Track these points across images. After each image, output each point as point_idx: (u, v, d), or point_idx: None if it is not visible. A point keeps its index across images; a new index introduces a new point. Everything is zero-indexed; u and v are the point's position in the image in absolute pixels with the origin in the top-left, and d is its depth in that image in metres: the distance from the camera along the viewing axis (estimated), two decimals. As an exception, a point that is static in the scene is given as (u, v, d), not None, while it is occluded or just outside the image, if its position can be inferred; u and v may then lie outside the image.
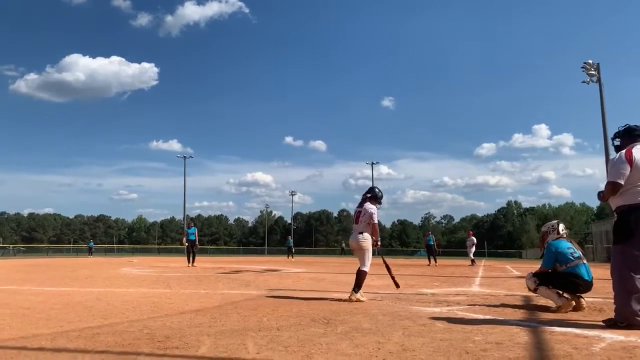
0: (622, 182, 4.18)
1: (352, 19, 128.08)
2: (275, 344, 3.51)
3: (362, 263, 6.26)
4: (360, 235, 6.33)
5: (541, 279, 5.45)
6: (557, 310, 5.21)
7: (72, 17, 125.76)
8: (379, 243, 6.44)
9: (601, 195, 4.46)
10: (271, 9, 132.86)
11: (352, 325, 4.34)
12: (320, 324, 4.41)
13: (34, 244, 76.77)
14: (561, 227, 5.78)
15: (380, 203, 6.65)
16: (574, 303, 5.29)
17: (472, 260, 21.66)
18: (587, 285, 5.32)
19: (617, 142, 4.56)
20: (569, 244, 5.55)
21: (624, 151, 4.30)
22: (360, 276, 6.17)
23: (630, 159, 4.20)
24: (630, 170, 4.17)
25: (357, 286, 6.12)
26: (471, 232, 25.14)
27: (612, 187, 4.23)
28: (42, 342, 3.60)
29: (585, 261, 5.47)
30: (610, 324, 4.14)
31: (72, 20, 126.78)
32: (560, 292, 5.34)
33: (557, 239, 5.66)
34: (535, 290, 5.53)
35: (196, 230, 18.22)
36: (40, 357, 3.10)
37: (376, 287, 7.95)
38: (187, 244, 18.06)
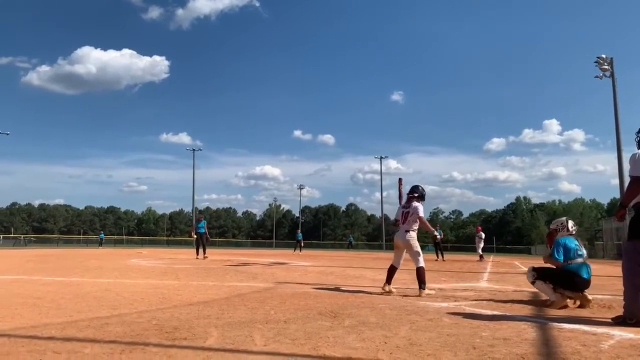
0: None
1: (362, 14, 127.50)
2: (282, 336, 3.52)
3: (416, 260, 6.46)
4: (407, 233, 6.55)
5: (539, 274, 5.53)
6: (550, 305, 5.25)
7: (83, 9, 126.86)
8: (437, 235, 6.62)
9: (619, 205, 4.32)
10: (281, 2, 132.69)
11: (359, 319, 4.35)
12: (327, 317, 4.42)
13: (45, 235, 77.75)
14: (570, 224, 5.83)
15: (424, 199, 6.89)
16: (567, 300, 5.32)
17: (481, 256, 21.60)
18: (584, 283, 5.35)
19: None
20: (576, 242, 5.59)
21: None
22: (421, 273, 6.37)
23: None
24: None
25: (422, 283, 6.34)
26: (480, 228, 24.97)
27: (638, 182, 4.08)
28: (52, 331, 3.64)
29: (586, 261, 5.51)
30: (619, 322, 4.10)
31: (84, 13, 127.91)
32: (555, 288, 5.37)
33: (567, 236, 5.68)
34: (532, 284, 5.65)
35: (206, 223, 18.32)
36: (50, 346, 3.14)
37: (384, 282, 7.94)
38: (195, 237, 18.16)
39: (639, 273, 4.07)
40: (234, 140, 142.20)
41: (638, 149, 4.32)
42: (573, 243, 5.52)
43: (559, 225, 5.87)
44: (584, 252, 5.55)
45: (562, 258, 5.43)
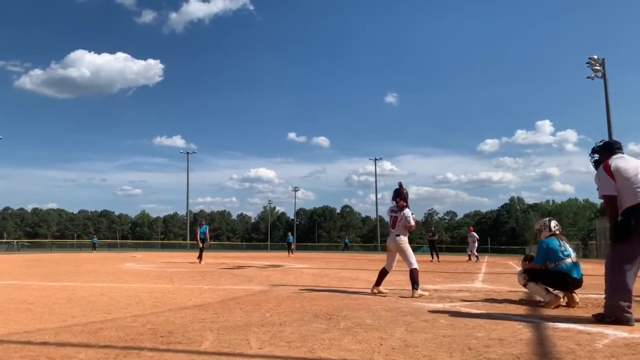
0: (616, 194, 4.33)
1: (355, 16, 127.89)
2: (277, 339, 3.51)
3: (409, 262, 6.53)
4: (398, 237, 6.64)
5: (531, 276, 5.57)
6: (544, 306, 5.30)
7: (76, 13, 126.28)
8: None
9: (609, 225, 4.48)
10: (275, 6, 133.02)
11: (354, 321, 4.35)
12: (322, 319, 4.42)
13: (38, 239, 77.05)
14: (552, 224, 5.89)
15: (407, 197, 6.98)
16: (561, 300, 5.38)
17: (476, 257, 21.69)
18: (576, 283, 5.41)
19: (596, 157, 4.72)
20: (560, 242, 5.62)
21: (602, 165, 4.47)
22: (414, 274, 6.44)
23: (609, 171, 4.37)
24: (615, 180, 4.32)
25: (415, 283, 6.40)
26: (472, 228, 24.98)
27: (609, 200, 4.36)
28: (46, 336, 3.62)
29: (575, 259, 5.53)
30: (599, 318, 4.29)
31: (77, 16, 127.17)
32: (549, 288, 5.43)
33: (550, 236, 5.74)
34: (524, 286, 5.68)
35: (207, 228, 17.98)
36: (44, 352, 3.11)
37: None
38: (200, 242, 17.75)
39: (618, 273, 4.21)
40: (228, 143, 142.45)
41: (595, 169, 4.60)
42: (557, 244, 5.56)
43: (542, 225, 5.96)
44: (572, 251, 5.56)
45: (541, 262, 5.51)
